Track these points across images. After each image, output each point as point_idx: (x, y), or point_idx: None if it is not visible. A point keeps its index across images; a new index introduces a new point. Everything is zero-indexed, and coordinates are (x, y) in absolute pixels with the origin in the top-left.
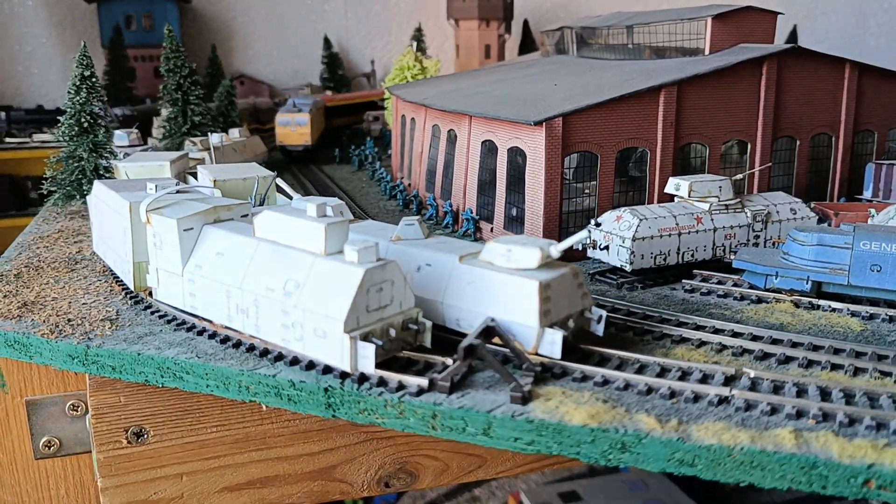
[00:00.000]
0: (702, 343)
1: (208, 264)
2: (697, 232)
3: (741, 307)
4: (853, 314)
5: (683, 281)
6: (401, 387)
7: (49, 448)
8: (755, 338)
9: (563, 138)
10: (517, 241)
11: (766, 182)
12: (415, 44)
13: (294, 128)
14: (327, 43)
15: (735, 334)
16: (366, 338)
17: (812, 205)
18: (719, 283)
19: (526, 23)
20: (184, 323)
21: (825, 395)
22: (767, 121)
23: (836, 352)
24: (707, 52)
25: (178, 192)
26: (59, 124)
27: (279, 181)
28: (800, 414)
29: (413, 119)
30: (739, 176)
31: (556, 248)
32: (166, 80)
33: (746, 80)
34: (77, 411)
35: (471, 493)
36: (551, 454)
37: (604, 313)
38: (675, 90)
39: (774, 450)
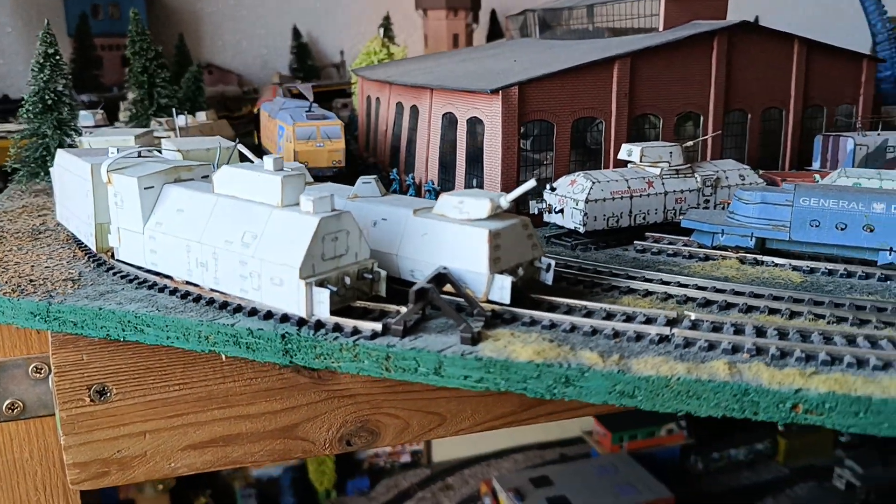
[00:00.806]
0: (648, 293)
1: (168, 221)
2: (649, 195)
3: (689, 264)
4: (794, 268)
5: (635, 242)
6: (356, 332)
7: (12, 410)
8: (700, 288)
9: (520, 107)
10: (469, 193)
11: (718, 154)
12: (382, 30)
13: (322, 143)
14: (296, 33)
15: (681, 285)
16: (322, 284)
17: (760, 172)
18: (670, 243)
19: (493, 12)
20: (145, 281)
21: (760, 333)
22: (719, 94)
23: (775, 299)
24: (661, 28)
25: (139, 155)
26: (23, 102)
27: (241, 147)
28: (735, 349)
29: (378, 98)
30: (690, 143)
31: (506, 199)
32: (132, 63)
33: (698, 54)
34: (40, 373)
35: (444, 481)
36: (499, 390)
37: (552, 262)
38: (628, 62)
39: (709, 379)
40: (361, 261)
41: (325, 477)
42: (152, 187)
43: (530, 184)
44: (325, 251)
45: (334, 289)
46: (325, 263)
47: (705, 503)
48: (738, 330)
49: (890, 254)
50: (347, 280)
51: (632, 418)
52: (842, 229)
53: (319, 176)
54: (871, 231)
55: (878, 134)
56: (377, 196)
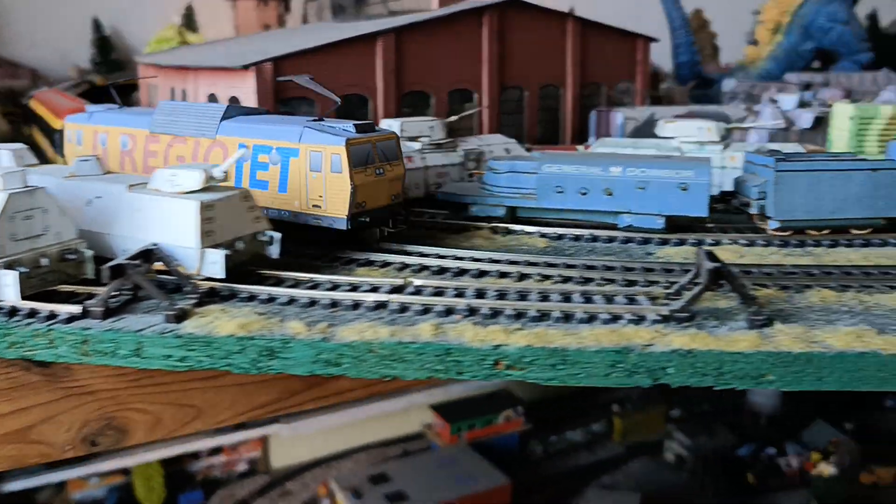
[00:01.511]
0: (385, 264)
1: None
2: (408, 170)
3: (444, 237)
4: (543, 235)
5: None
6: (52, 316)
7: None
8: (441, 257)
9: (277, 84)
10: (184, 166)
11: (495, 130)
12: (177, 18)
13: (382, 169)
14: (97, 25)
15: (423, 255)
16: (10, 267)
17: (527, 146)
18: (430, 217)
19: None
20: None
21: (480, 295)
22: (493, 71)
23: (511, 263)
24: (437, 6)
25: None
26: None
27: None
28: (450, 311)
29: (157, 86)
30: (454, 118)
31: (220, 170)
32: None
33: (468, 31)
34: None
35: (283, 487)
36: (204, 368)
37: (278, 235)
38: (392, 39)
39: (412, 340)
40: (65, 241)
41: (154, 493)
42: None
43: (240, 152)
44: (16, 231)
45: (25, 270)
46: (18, 244)
47: (543, 486)
48: (460, 294)
49: (629, 216)
50: (45, 261)
51: (470, 408)
52: (584, 194)
53: (374, 219)
54: (611, 195)
55: (647, 108)
56: (97, 174)
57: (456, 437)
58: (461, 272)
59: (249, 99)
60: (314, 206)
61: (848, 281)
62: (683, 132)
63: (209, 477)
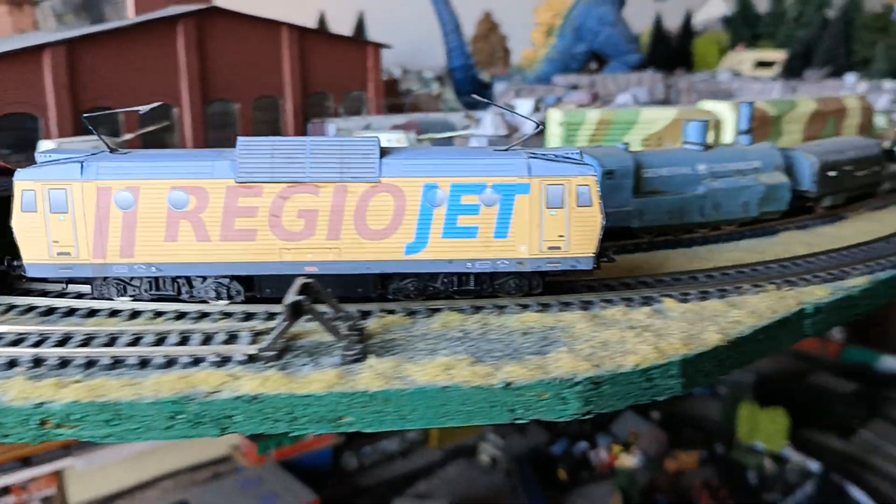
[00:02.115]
0: None
1: None
2: None
3: None
4: None
5: None
6: None
7: None
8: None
9: None
10: None
11: (201, 146)
12: None
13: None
14: None
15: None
16: None
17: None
18: None
19: None
20: None
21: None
22: (195, 83)
23: None
24: (133, 14)
25: None
26: None
27: None
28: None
29: None
30: (128, 136)
31: None
32: None
33: (161, 41)
34: None
35: None
36: None
37: None
38: (63, 52)
39: None
40: None
41: None
42: None
43: None
44: None
45: None
46: None
47: (353, 499)
48: (43, 340)
49: None
50: None
51: None
52: None
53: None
54: None
55: (364, 118)
56: None
57: (263, 458)
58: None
59: None
60: (551, 247)
61: (479, 303)
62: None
63: None
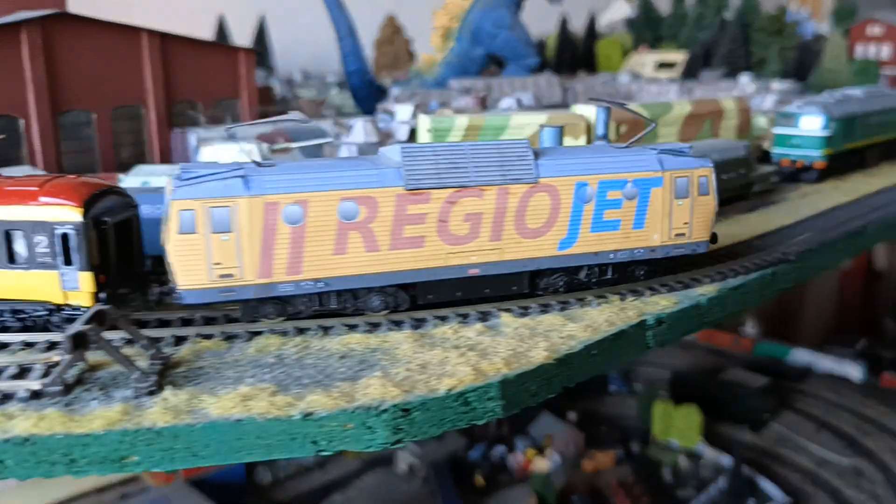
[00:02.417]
0: None
1: None
2: None
3: None
4: None
5: None
6: None
7: None
8: None
9: None
10: None
11: (53, 160)
12: None
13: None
14: None
15: None
16: None
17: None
18: None
19: None
20: None
21: None
22: (42, 93)
23: None
24: None
25: None
26: None
27: None
28: None
29: None
30: None
31: None
32: None
33: (2, 49)
34: None
35: None
36: None
37: None
38: None
39: None
40: None
41: None
42: None
43: None
44: None
45: None
46: None
47: None
48: None
49: None
50: None
51: None
52: None
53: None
54: None
55: (227, 128)
56: None
57: (172, 476)
58: None
59: None
60: (677, 234)
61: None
62: (224, 155)
63: None
